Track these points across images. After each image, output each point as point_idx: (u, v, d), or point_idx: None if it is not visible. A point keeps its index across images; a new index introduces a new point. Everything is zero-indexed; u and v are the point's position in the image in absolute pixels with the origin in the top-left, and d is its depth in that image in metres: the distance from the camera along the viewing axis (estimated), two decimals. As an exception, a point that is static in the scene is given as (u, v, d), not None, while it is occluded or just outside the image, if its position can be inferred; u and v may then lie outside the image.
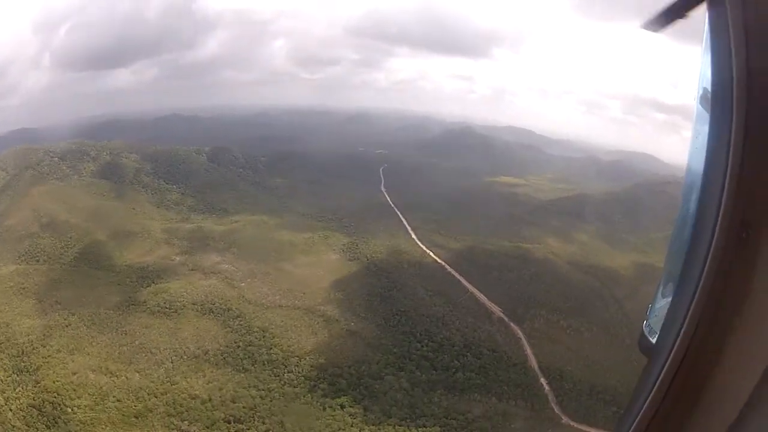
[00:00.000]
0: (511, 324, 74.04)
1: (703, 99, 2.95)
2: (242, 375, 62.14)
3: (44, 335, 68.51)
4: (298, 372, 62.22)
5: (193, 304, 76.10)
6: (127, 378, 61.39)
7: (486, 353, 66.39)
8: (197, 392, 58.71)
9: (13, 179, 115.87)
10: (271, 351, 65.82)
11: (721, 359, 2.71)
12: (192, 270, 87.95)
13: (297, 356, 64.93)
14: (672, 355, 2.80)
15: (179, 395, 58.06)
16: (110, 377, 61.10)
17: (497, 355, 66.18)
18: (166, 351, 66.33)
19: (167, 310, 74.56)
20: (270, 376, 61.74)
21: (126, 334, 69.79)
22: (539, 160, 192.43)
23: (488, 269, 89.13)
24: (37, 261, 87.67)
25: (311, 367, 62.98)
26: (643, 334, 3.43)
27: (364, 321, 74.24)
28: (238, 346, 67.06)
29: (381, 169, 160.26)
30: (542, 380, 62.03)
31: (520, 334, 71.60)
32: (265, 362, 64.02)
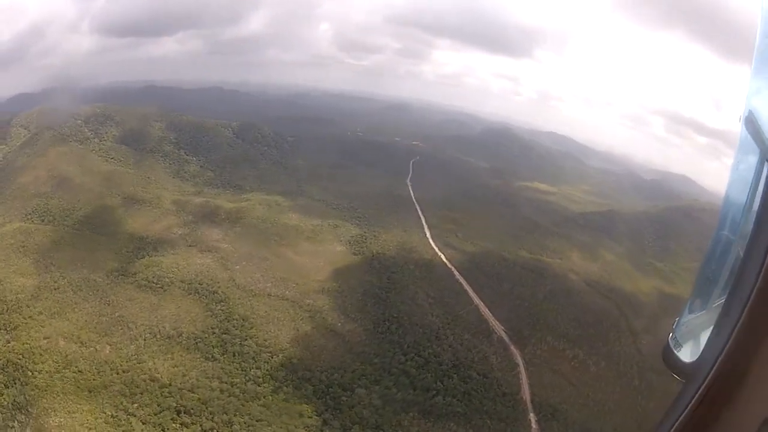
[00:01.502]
0: (512, 346, 67.22)
1: (748, 121, 2.96)
2: (209, 363, 58.89)
3: (32, 296, 68.06)
4: (266, 369, 58.16)
5: (181, 281, 73.70)
6: (96, 349, 59.61)
7: (475, 377, 59.98)
8: (159, 375, 56.03)
9: (33, 138, 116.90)
10: (245, 342, 62.15)
11: (749, 377, 2.74)
12: (190, 245, 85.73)
13: (270, 352, 60.96)
14: (711, 373, 2.81)
15: (140, 375, 55.57)
16: (80, 346, 59.51)
17: (487, 381, 59.58)
18: (142, 327, 64.14)
19: (154, 285, 72.56)
20: (237, 369, 58.11)
21: (109, 304, 68.28)
22: (576, 169, 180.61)
23: (500, 280, 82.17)
24: (42, 221, 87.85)
25: (281, 365, 58.79)
26: (668, 346, 3.52)
27: (352, 322, 69.37)
28: (214, 333, 63.90)
29: (411, 162, 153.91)
30: (531, 416, 55.09)
31: (519, 359, 64.64)
32: (236, 353, 60.45)
